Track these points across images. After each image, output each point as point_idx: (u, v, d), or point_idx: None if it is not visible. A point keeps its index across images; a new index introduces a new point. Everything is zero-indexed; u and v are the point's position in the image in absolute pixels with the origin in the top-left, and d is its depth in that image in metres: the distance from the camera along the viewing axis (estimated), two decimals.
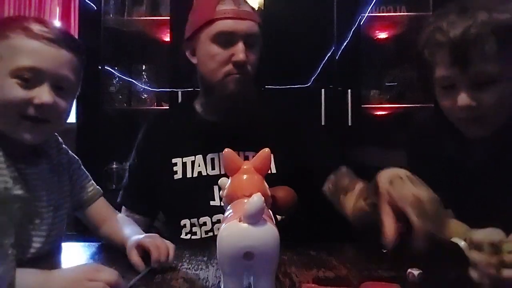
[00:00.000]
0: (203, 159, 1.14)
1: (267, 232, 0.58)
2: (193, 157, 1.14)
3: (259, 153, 0.72)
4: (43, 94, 0.81)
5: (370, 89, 2.31)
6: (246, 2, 1.12)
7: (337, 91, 2.06)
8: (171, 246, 0.84)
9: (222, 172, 1.09)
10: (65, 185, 0.98)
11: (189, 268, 0.82)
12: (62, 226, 0.96)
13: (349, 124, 2.07)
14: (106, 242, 1.00)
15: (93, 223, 1.03)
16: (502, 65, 0.79)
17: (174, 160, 1.15)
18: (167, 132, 1.20)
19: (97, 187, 1.06)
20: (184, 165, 1.14)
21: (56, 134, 0.99)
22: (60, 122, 0.88)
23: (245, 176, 0.70)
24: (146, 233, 0.93)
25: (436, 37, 0.83)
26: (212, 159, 1.14)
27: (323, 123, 2.02)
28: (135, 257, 0.83)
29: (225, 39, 1.06)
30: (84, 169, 1.05)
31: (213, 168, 1.13)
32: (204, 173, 1.13)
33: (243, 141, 1.05)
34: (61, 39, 0.84)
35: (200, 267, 0.82)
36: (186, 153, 1.15)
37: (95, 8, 2.19)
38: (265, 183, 0.71)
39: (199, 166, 1.14)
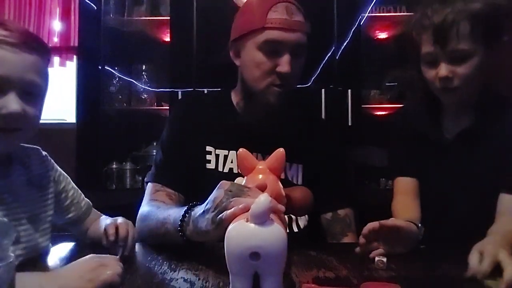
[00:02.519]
0: (237, 156, 1.12)
1: (273, 233, 0.58)
2: (227, 151, 1.12)
3: (273, 153, 0.72)
4: (11, 103, 0.76)
5: (370, 89, 2.31)
6: (299, 10, 1.07)
7: (337, 91, 2.06)
8: (124, 225, 0.91)
9: None
10: (49, 199, 0.94)
11: (189, 268, 0.81)
12: (45, 238, 0.92)
13: (349, 124, 2.07)
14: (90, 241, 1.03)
15: (83, 232, 1.04)
16: (473, 45, 0.97)
17: (208, 148, 1.12)
18: (203, 117, 1.15)
19: (86, 199, 1.06)
20: (217, 157, 1.12)
21: (39, 148, 0.96)
22: (31, 128, 0.83)
23: (260, 176, 0.70)
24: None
25: (422, 21, 1.01)
26: None
27: None
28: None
29: (272, 49, 1.03)
30: (74, 184, 1.04)
31: None
32: (235, 171, 1.10)
33: (279, 147, 1.03)
34: (23, 41, 0.78)
35: (200, 267, 0.82)
36: (220, 145, 1.12)
37: (95, 8, 2.19)
38: (280, 183, 0.71)
39: (231, 162, 1.11)
